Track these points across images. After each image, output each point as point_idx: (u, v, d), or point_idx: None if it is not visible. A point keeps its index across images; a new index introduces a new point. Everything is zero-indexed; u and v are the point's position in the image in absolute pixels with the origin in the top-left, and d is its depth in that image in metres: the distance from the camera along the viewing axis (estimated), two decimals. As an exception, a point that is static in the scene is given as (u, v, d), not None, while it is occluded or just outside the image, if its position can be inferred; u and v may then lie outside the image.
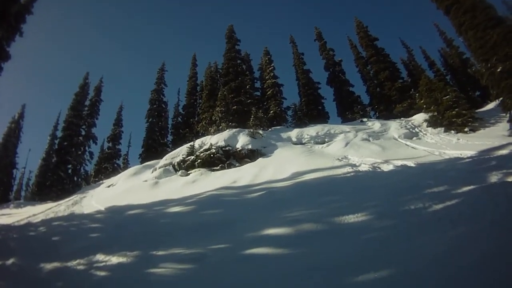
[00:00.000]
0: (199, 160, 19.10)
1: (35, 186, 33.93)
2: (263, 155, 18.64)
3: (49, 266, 6.77)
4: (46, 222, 13.75)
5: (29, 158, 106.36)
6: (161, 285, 5.07)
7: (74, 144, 34.17)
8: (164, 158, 22.49)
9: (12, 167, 35.05)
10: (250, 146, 19.50)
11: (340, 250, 4.86)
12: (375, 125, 22.25)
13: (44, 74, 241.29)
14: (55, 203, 21.48)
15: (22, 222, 15.20)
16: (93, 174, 36.95)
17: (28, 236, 11.02)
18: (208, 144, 20.49)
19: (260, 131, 22.12)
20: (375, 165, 11.99)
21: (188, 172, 18.53)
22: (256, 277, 4.57)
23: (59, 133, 35.79)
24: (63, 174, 32.13)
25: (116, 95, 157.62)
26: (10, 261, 7.09)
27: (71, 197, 22.68)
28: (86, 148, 35.64)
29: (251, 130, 21.68)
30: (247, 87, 31.43)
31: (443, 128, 19.00)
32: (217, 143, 20.40)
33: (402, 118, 24.28)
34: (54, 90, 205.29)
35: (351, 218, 6.13)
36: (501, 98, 19.90)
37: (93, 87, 39.42)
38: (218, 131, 24.35)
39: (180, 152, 21.62)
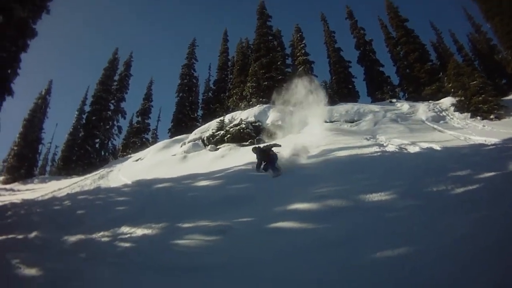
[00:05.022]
0: (228, 135, 19.01)
1: (61, 160, 34.54)
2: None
3: (73, 238, 6.86)
4: (71, 196, 14.06)
5: (56, 133, 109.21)
6: (185, 255, 5.08)
7: (102, 118, 34.66)
8: (194, 132, 22.54)
9: (38, 142, 35.36)
10: (280, 123, 19.25)
11: (363, 226, 4.88)
12: (404, 106, 22.37)
13: (72, 50, 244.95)
14: (81, 177, 21.87)
15: (46, 197, 15.49)
16: (121, 148, 37.59)
17: (53, 210, 11.31)
18: (238, 119, 20.42)
19: (291, 108, 21.62)
20: (402, 146, 11.82)
21: (217, 147, 18.48)
22: (279, 249, 4.59)
23: (87, 108, 36.32)
24: (90, 148, 32.84)
25: (146, 70, 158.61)
26: (33, 234, 7.19)
27: (97, 171, 23.01)
28: (115, 122, 36.25)
29: (281, 107, 21.25)
30: (278, 63, 30.60)
31: (469, 114, 19.07)
32: (247, 118, 20.35)
33: (430, 101, 24.03)
34: (82, 67, 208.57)
35: (376, 197, 6.07)
36: (526, 88, 19.55)
37: (122, 62, 39.70)
38: (248, 106, 24.35)
39: (209, 127, 21.58)
